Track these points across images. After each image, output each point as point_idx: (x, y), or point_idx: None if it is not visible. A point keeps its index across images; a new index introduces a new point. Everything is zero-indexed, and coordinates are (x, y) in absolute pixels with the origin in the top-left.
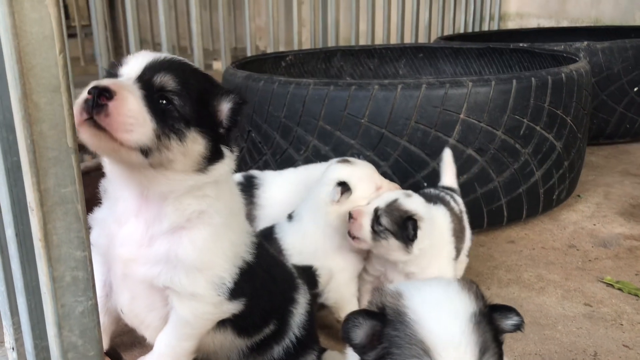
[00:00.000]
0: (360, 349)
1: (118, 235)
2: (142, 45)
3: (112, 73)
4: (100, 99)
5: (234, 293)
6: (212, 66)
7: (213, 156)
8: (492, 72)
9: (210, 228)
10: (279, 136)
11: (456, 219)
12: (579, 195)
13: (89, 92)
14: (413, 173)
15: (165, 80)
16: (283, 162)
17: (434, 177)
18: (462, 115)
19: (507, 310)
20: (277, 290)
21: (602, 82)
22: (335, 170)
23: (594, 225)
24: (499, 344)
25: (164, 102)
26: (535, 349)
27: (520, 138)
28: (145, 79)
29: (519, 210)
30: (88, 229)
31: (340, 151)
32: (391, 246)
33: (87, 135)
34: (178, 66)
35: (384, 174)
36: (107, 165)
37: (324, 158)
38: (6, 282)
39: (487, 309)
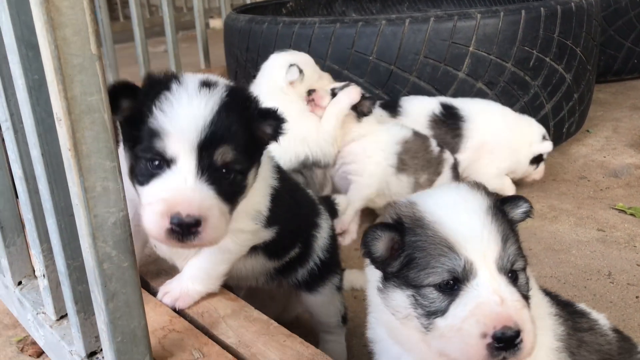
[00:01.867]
0: (381, 262)
1: None
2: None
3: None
4: (190, 229)
5: (269, 221)
6: (209, 24)
7: (257, 165)
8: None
9: None
10: None
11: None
12: (588, 130)
13: (175, 224)
14: None
15: (226, 155)
16: None
17: None
18: (471, 48)
19: (516, 199)
20: (301, 214)
21: (609, 17)
22: (280, 56)
23: (604, 157)
24: (515, 233)
25: (229, 174)
26: (550, 272)
27: (529, 70)
28: (205, 164)
29: None
30: (116, 139)
31: None
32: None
33: (170, 244)
34: (229, 123)
35: None
36: None
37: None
38: (33, 209)
39: (499, 202)
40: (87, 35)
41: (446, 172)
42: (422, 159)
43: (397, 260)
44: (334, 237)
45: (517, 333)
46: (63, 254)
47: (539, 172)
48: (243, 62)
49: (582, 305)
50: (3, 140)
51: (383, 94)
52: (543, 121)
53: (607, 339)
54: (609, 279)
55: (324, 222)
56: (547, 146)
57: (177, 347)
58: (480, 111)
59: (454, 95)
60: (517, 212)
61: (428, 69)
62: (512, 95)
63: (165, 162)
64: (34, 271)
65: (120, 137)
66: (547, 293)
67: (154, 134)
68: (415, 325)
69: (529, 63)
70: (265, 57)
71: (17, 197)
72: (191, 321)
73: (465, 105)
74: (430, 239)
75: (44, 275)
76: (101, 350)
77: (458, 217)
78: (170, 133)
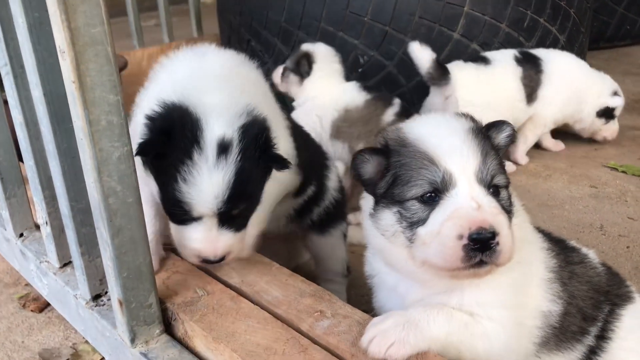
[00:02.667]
0: (370, 184)
1: None
2: None
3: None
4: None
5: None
6: None
7: None
8: None
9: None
10: (280, 42)
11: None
12: None
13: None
14: (418, 71)
15: (242, 209)
16: None
17: None
18: (466, 8)
19: (500, 123)
20: (313, 151)
21: None
22: None
23: None
24: (498, 154)
25: (239, 216)
26: (544, 226)
27: (524, 31)
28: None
29: None
30: (119, 72)
31: (344, 52)
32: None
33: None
34: (245, 187)
35: (389, 75)
36: None
37: None
38: (34, 155)
39: (483, 128)
40: None
41: None
42: (362, 128)
43: (383, 180)
44: (340, 181)
45: (493, 235)
46: (67, 197)
47: (610, 130)
48: (237, 26)
49: (573, 242)
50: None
51: (378, 55)
52: None
53: (596, 272)
54: (601, 232)
55: (332, 166)
56: (616, 101)
57: (181, 286)
58: (558, 56)
59: (449, 57)
60: (501, 136)
61: (423, 30)
62: None
63: (192, 220)
64: (35, 224)
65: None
66: (540, 230)
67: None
68: (401, 241)
69: (523, 24)
70: (259, 20)
71: (16, 148)
72: (193, 264)
73: (542, 53)
74: (412, 155)
75: (46, 223)
76: (106, 292)
77: (439, 134)
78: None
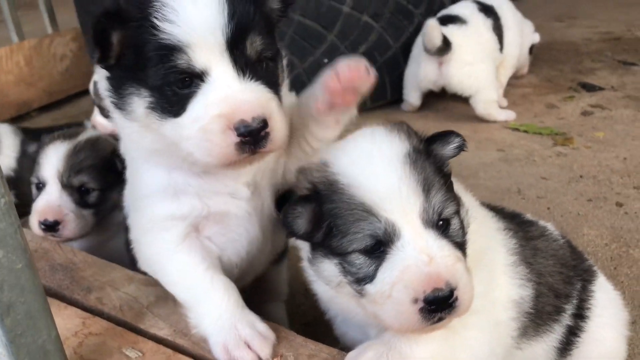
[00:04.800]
0: (307, 236)
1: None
2: None
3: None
4: (259, 134)
5: None
6: None
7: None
8: None
9: None
10: None
11: None
12: None
13: (244, 133)
14: (311, 49)
15: (256, 43)
16: None
17: (333, 51)
18: None
19: (445, 135)
20: None
21: None
22: None
23: None
24: (444, 175)
25: (260, 62)
26: None
27: None
28: (242, 61)
29: None
30: None
31: None
32: None
33: (243, 164)
34: (243, 7)
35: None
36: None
37: None
38: None
39: (423, 144)
40: None
41: None
42: None
43: (319, 232)
44: None
45: (451, 292)
46: None
47: (527, 64)
48: None
49: (528, 215)
50: None
51: None
52: None
53: (559, 244)
54: (519, 196)
55: None
56: (537, 37)
57: (99, 353)
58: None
59: (341, 31)
60: (448, 148)
61: (312, 5)
62: (398, 27)
63: (195, 78)
64: None
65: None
66: (492, 208)
67: (170, 52)
68: (348, 291)
69: None
70: None
71: None
72: (109, 319)
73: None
74: (347, 205)
75: None
76: None
77: (372, 174)
78: (191, 43)
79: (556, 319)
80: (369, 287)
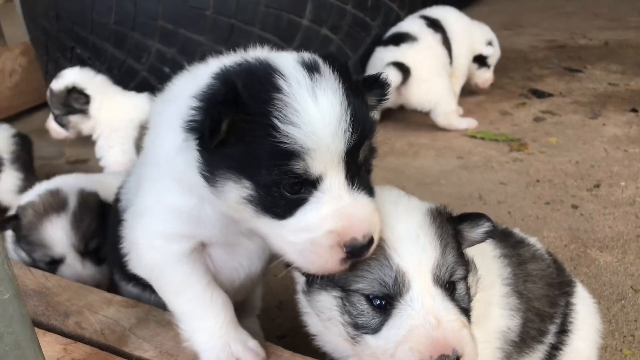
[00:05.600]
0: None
1: None
2: None
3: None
4: (361, 252)
5: None
6: None
7: None
8: None
9: None
10: (113, 47)
11: None
12: None
13: (352, 252)
14: None
15: (366, 149)
16: (124, 76)
17: None
18: None
19: (476, 217)
20: None
21: None
22: None
23: None
24: (459, 244)
25: (364, 168)
26: None
27: (369, 11)
28: (353, 169)
29: None
30: None
31: (189, 51)
32: None
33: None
34: (358, 112)
35: None
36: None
37: (172, 63)
38: None
39: (448, 213)
40: None
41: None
42: None
43: None
44: None
45: (457, 358)
46: None
47: (482, 78)
48: (54, 33)
49: (517, 230)
50: None
51: (227, 50)
52: None
53: (546, 263)
54: (481, 201)
55: None
56: (489, 50)
57: None
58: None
59: (301, 45)
60: (477, 231)
61: (271, 19)
62: (356, 38)
63: (308, 184)
64: None
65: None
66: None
67: (287, 156)
68: (340, 332)
69: (367, 3)
70: (83, 25)
71: None
72: (91, 343)
73: (434, 13)
74: None
75: None
76: None
77: (395, 217)
78: (311, 149)
79: (541, 341)
80: (370, 339)
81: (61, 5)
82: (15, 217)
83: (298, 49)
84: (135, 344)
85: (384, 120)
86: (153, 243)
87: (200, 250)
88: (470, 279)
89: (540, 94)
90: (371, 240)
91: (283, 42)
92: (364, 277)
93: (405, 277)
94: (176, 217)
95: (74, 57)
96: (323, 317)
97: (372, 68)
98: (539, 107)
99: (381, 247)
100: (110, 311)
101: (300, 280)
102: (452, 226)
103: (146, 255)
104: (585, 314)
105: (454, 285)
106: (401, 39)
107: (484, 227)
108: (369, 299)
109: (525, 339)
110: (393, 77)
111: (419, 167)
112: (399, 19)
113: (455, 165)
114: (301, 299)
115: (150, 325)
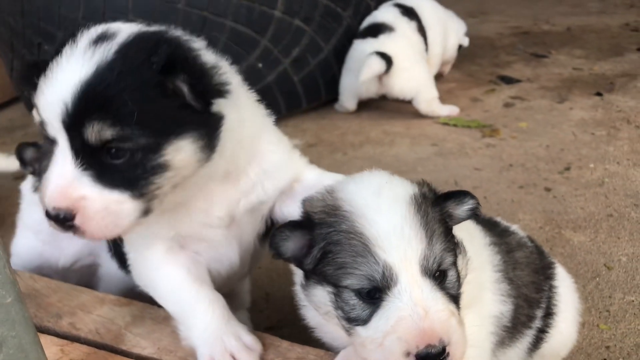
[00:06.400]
0: (295, 261)
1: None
2: None
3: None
4: (65, 227)
5: None
6: None
7: (210, 133)
8: None
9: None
10: None
11: None
12: None
13: (49, 217)
14: (245, 55)
15: (102, 131)
16: None
17: (267, 56)
18: None
19: (460, 195)
20: None
21: None
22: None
23: None
24: (446, 225)
25: (118, 158)
26: None
27: (340, 1)
28: (81, 147)
29: None
30: None
31: None
32: None
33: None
34: (104, 89)
35: None
36: None
37: None
38: None
39: (433, 195)
40: None
41: None
42: None
43: (310, 256)
44: None
45: (443, 349)
46: None
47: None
48: (20, 29)
49: (499, 219)
50: None
51: None
52: None
53: (530, 250)
54: (457, 187)
55: None
56: (467, 40)
57: None
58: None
59: (274, 36)
60: (462, 209)
61: (243, 11)
62: (328, 29)
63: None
64: None
65: None
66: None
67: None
68: (337, 322)
69: None
70: (50, 20)
71: None
72: (87, 343)
73: (409, 2)
74: (346, 232)
75: None
76: None
77: (378, 208)
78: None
79: (530, 326)
80: (360, 330)
81: (26, 0)
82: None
83: (271, 40)
84: (133, 341)
85: (359, 110)
86: (134, 254)
87: (179, 251)
88: (460, 261)
89: (508, 80)
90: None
91: (256, 33)
92: (352, 274)
93: (393, 271)
94: None
95: (40, 53)
96: (321, 311)
97: (352, 61)
98: (508, 93)
99: (367, 239)
100: (104, 310)
101: (298, 273)
102: (439, 208)
103: (134, 267)
104: (566, 295)
105: (444, 273)
106: (378, 30)
107: (469, 204)
108: (358, 293)
109: (516, 324)
110: (377, 65)
111: (395, 155)
112: (369, 9)
113: (431, 153)
114: (299, 292)
115: (146, 323)
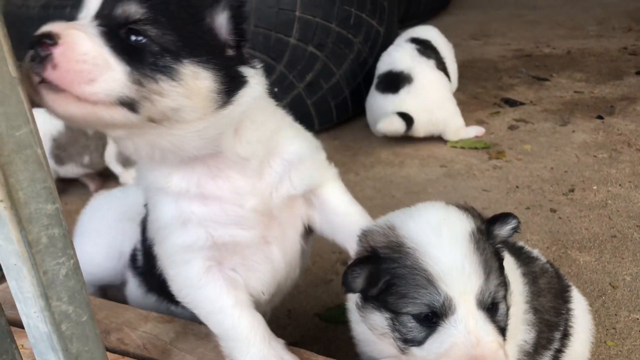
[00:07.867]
0: (362, 292)
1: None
2: None
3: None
4: (43, 47)
5: None
6: None
7: (231, 86)
8: None
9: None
10: None
11: None
12: None
13: (30, 45)
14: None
15: (129, 9)
16: None
17: (283, 81)
18: (297, 13)
19: (504, 217)
20: None
21: None
22: None
23: None
24: (499, 258)
25: (137, 37)
26: None
27: (351, 28)
28: (105, 14)
29: (361, 100)
30: (52, 176)
31: None
32: None
33: (47, 103)
34: None
35: None
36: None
37: None
38: None
39: (485, 225)
40: (3, 54)
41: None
42: (77, 147)
43: (375, 288)
44: None
45: None
46: None
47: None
48: None
49: (522, 243)
50: None
51: None
52: (369, 75)
53: (551, 275)
54: None
55: None
56: None
57: None
58: (430, 31)
59: (289, 62)
60: (506, 229)
61: (261, 39)
62: (340, 55)
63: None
64: None
65: None
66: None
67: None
68: (391, 342)
69: (350, 21)
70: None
71: None
72: (135, 357)
73: (421, 33)
74: (410, 267)
75: None
76: None
77: (439, 246)
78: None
79: (549, 348)
80: (416, 350)
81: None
82: None
83: (286, 66)
84: (179, 356)
85: (368, 131)
86: (171, 270)
87: (217, 270)
88: (508, 297)
89: (512, 103)
90: None
91: (272, 60)
92: (413, 302)
93: (452, 303)
94: (170, 228)
95: None
96: (377, 332)
97: (371, 114)
98: (512, 116)
99: (430, 275)
100: (149, 327)
101: (354, 296)
102: (491, 243)
103: (173, 284)
104: (581, 317)
105: (496, 306)
106: (397, 82)
107: (512, 224)
108: (417, 317)
109: (537, 348)
110: (397, 125)
111: (405, 176)
112: (379, 34)
113: (440, 174)
114: (352, 310)
115: (190, 339)
